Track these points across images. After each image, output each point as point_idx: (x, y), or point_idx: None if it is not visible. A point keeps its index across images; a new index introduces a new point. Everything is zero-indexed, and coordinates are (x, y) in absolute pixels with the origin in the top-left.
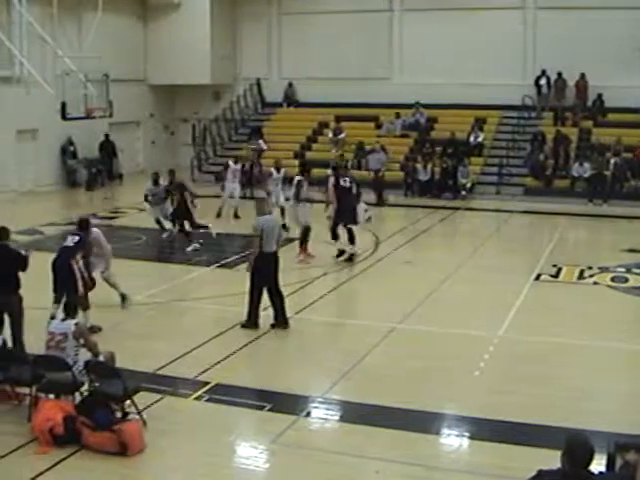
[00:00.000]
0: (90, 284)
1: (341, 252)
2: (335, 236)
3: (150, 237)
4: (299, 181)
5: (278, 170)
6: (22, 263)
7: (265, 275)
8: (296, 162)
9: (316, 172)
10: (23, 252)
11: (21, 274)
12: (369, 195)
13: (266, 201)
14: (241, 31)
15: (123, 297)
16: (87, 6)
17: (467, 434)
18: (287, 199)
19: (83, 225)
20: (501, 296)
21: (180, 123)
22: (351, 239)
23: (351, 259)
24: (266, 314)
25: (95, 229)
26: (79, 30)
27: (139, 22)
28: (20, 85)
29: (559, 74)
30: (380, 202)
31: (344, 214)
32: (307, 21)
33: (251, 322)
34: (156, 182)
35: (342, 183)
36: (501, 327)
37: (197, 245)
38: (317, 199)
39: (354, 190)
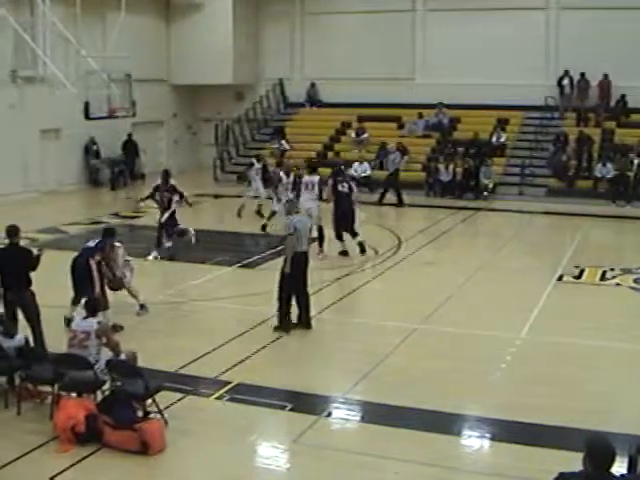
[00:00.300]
0: (117, 283)
1: (344, 252)
2: (340, 237)
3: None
4: (320, 179)
5: (288, 175)
6: (32, 261)
7: (295, 274)
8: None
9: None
10: (35, 251)
11: (40, 272)
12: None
13: (294, 201)
14: (264, 31)
15: (142, 306)
16: (110, 6)
17: (488, 435)
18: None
19: (108, 233)
20: (523, 297)
21: (203, 123)
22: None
23: (345, 254)
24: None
25: (118, 243)
26: (102, 30)
27: (162, 22)
28: (43, 85)
29: (582, 74)
30: (381, 201)
31: (342, 219)
32: (330, 21)
33: (284, 325)
34: (167, 181)
35: (340, 188)
36: (523, 328)
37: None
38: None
39: (353, 195)
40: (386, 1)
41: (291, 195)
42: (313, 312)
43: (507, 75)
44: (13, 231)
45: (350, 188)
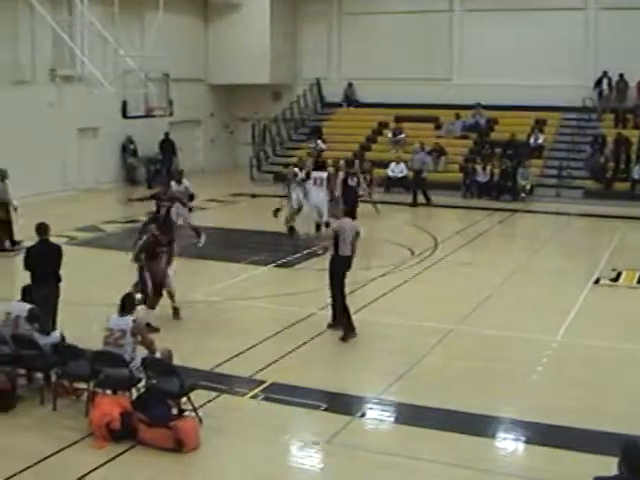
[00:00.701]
0: (158, 289)
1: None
2: None
3: (208, 236)
4: (329, 174)
5: (301, 170)
6: (62, 257)
7: (337, 276)
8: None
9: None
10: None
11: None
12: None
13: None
14: (301, 31)
15: (175, 310)
16: (148, 5)
17: (522, 438)
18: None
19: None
20: (560, 299)
21: (240, 122)
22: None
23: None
24: (323, 314)
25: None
26: (140, 29)
27: (200, 22)
28: (81, 84)
29: (620, 75)
30: (414, 202)
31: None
32: (367, 21)
33: (351, 331)
34: (179, 181)
35: (350, 182)
36: (559, 331)
37: None
38: None
39: (360, 190)
40: (423, 1)
41: (300, 192)
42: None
43: (545, 76)
44: (43, 228)
45: (358, 182)
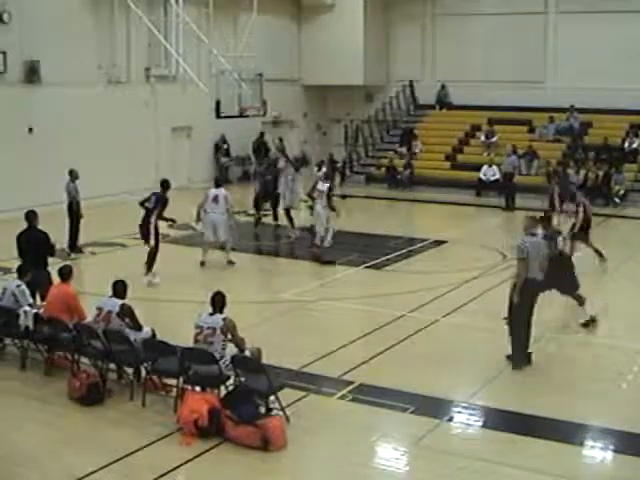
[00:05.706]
0: None
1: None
2: None
3: (300, 236)
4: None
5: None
6: (50, 245)
7: (525, 305)
8: (447, 164)
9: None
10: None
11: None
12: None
13: None
14: (394, 32)
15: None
16: (242, 6)
17: (613, 447)
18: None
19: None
20: None
21: (332, 123)
22: None
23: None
24: (413, 316)
25: None
26: (234, 30)
27: (293, 23)
28: (176, 83)
29: None
30: (509, 206)
31: None
32: (461, 23)
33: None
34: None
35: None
36: None
37: None
38: None
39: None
40: (518, 3)
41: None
42: (439, 315)
43: None
44: (32, 216)
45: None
